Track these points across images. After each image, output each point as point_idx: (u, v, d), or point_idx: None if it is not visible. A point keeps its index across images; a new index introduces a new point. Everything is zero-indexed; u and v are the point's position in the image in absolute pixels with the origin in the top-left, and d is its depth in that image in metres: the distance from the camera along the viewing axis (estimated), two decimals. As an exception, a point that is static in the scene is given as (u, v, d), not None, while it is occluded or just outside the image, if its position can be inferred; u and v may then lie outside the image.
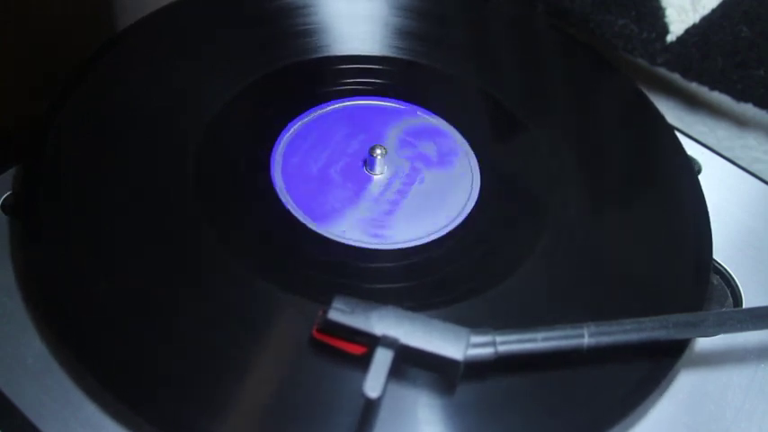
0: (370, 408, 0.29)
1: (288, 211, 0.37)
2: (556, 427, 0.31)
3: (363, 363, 0.29)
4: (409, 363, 0.30)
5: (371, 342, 0.29)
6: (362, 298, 0.31)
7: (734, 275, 0.39)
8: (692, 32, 0.49)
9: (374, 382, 0.28)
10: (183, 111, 0.40)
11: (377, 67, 0.44)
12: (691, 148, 0.43)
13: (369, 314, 0.30)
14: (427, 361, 0.30)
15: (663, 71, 0.51)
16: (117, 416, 0.31)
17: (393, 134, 0.42)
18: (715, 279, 0.39)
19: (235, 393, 0.30)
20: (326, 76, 0.43)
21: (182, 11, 0.45)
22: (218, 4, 0.46)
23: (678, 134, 0.44)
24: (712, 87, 0.50)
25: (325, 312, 0.30)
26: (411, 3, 0.47)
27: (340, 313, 0.30)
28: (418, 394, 0.31)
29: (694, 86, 0.51)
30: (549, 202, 0.39)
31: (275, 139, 0.40)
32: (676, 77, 0.51)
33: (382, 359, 0.28)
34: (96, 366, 0.31)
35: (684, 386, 0.35)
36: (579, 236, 0.38)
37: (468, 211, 0.39)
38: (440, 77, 0.44)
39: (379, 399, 0.28)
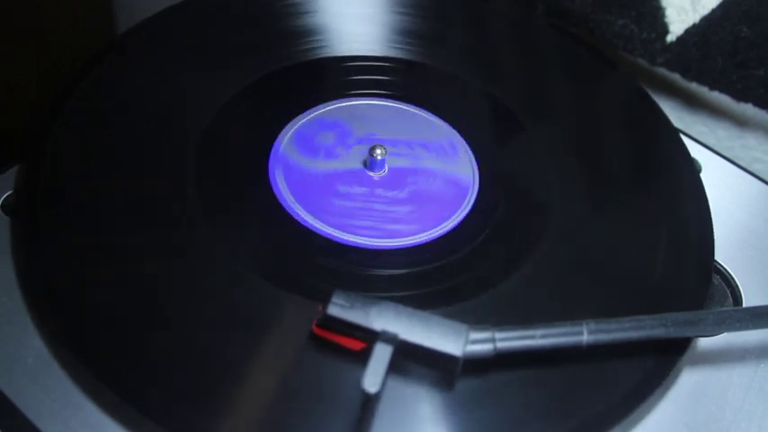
0: (369, 403, 0.29)
1: (287, 211, 0.37)
2: (555, 427, 0.31)
3: (363, 358, 0.29)
4: (408, 358, 0.30)
5: (371, 337, 0.29)
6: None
7: (734, 275, 0.39)
8: (692, 32, 0.49)
9: (373, 378, 0.28)
10: (183, 110, 0.40)
11: (377, 66, 0.44)
12: (691, 148, 0.43)
13: (368, 309, 0.30)
14: (426, 357, 0.30)
15: (663, 71, 0.52)
16: (117, 415, 0.31)
17: (404, 140, 0.42)
18: (715, 279, 0.39)
19: (234, 391, 0.30)
20: (326, 77, 0.44)
21: (182, 12, 0.45)
22: (219, 6, 0.46)
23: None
24: (712, 87, 0.50)
25: (325, 307, 0.30)
26: (411, 2, 0.47)
27: (339, 308, 0.30)
28: (417, 390, 0.31)
29: (694, 86, 0.51)
30: (549, 202, 0.39)
31: (275, 139, 0.40)
32: (676, 77, 0.51)
33: (381, 354, 0.28)
34: (96, 366, 0.31)
35: (685, 386, 0.35)
36: (580, 235, 0.38)
37: (468, 210, 0.39)
38: (440, 77, 0.44)
39: (378, 394, 0.28)
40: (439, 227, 0.38)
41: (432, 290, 0.35)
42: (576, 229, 0.38)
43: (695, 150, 0.44)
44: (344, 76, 0.44)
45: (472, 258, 0.37)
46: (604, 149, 0.43)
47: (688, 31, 0.49)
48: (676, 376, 0.35)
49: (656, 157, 0.42)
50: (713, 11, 0.48)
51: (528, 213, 0.39)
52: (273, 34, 0.45)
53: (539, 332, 0.30)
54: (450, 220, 0.38)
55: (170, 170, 0.38)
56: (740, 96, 0.49)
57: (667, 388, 0.35)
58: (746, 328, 0.33)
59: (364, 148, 0.40)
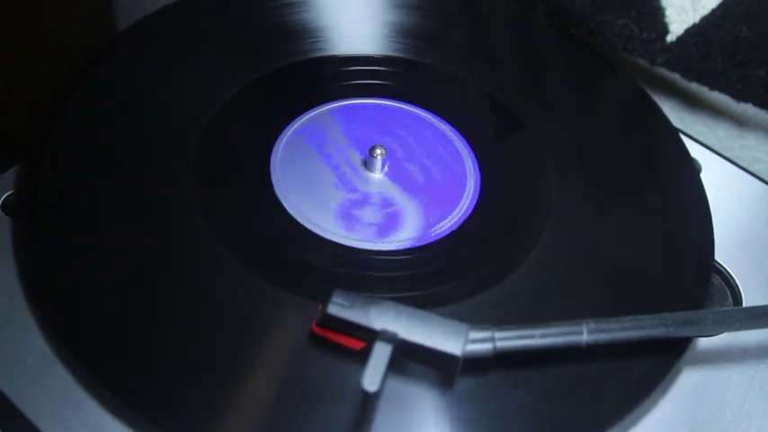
0: (368, 402, 0.29)
1: (287, 211, 0.37)
2: (555, 427, 0.31)
3: (363, 358, 0.29)
4: (408, 358, 0.30)
5: (370, 336, 0.29)
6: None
7: (734, 275, 0.39)
8: (692, 32, 0.49)
9: (373, 377, 0.28)
10: (183, 110, 0.40)
11: (377, 66, 0.44)
12: (691, 148, 0.43)
13: (368, 309, 0.30)
14: (426, 356, 0.30)
15: (663, 71, 0.52)
16: (117, 415, 0.31)
17: (404, 140, 0.42)
18: (715, 279, 0.39)
19: (234, 391, 0.30)
20: (326, 76, 0.44)
21: (181, 12, 0.45)
22: (218, 5, 0.46)
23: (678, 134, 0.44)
24: (712, 87, 0.50)
25: (325, 307, 0.30)
26: (411, 2, 0.47)
27: (339, 307, 0.30)
28: (417, 390, 0.31)
29: (694, 86, 0.51)
30: (548, 202, 0.39)
31: (275, 139, 0.40)
32: (676, 77, 0.51)
33: (381, 353, 0.28)
34: (96, 366, 0.31)
35: (685, 386, 0.35)
36: (580, 235, 0.38)
37: (469, 210, 0.39)
38: (440, 77, 0.44)
39: (378, 393, 0.28)
40: (434, 228, 0.38)
41: (432, 289, 0.35)
42: (576, 229, 0.38)
43: (695, 150, 0.44)
44: (344, 76, 0.44)
45: (472, 258, 0.37)
46: (604, 150, 0.43)
47: (688, 31, 0.49)
48: (676, 376, 0.35)
49: (655, 157, 0.42)
50: (713, 11, 0.48)
51: (528, 213, 0.39)
52: (273, 34, 0.45)
53: (538, 332, 0.30)
54: (445, 223, 0.38)
55: (170, 170, 0.38)
56: (740, 96, 0.49)
57: (667, 388, 0.35)
58: (746, 328, 0.33)
59: (364, 148, 0.40)
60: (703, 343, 0.37)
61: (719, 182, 0.43)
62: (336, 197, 0.38)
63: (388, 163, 0.40)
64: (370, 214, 0.38)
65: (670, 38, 0.49)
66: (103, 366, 0.31)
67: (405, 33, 0.46)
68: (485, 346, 0.30)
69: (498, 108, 0.43)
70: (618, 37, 0.50)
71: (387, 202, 0.39)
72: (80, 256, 0.34)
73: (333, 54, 0.44)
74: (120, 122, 0.39)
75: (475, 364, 0.30)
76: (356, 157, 0.40)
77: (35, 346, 0.33)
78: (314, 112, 0.42)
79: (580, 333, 0.30)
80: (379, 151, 0.39)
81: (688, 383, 0.35)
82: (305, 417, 0.30)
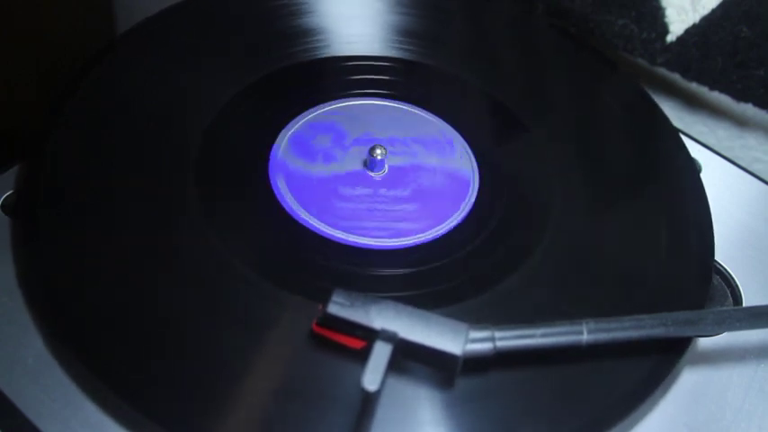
0: (368, 401, 0.29)
1: (287, 211, 0.37)
2: (555, 427, 0.31)
3: (363, 357, 0.29)
4: (408, 357, 0.30)
5: (370, 336, 0.29)
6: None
7: (734, 275, 0.39)
8: (692, 32, 0.49)
9: (372, 376, 0.28)
10: (183, 110, 0.40)
11: (377, 66, 0.44)
12: (691, 148, 0.43)
13: (368, 308, 0.30)
14: (426, 356, 0.30)
15: (663, 71, 0.51)
16: (117, 415, 0.31)
17: (394, 135, 0.42)
18: (715, 279, 0.39)
19: (234, 391, 0.30)
20: (326, 77, 0.44)
21: (182, 12, 0.45)
22: (219, 6, 0.46)
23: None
24: (712, 87, 0.50)
25: (325, 306, 0.30)
26: (411, 2, 0.47)
27: (339, 307, 0.30)
28: (417, 389, 0.31)
29: (694, 86, 0.51)
30: (549, 202, 0.39)
31: (275, 140, 0.40)
32: (676, 77, 0.51)
33: (381, 353, 0.28)
34: (96, 366, 0.31)
35: (685, 386, 0.35)
36: (580, 235, 0.38)
37: (468, 211, 0.39)
38: (440, 77, 0.44)
39: (378, 392, 0.28)
40: (445, 222, 0.38)
41: (432, 289, 0.35)
42: (576, 229, 0.38)
43: (695, 150, 0.44)
44: (345, 76, 0.44)
45: (472, 258, 0.37)
46: (605, 150, 0.43)
47: (688, 31, 0.49)
48: (676, 376, 0.35)
49: (656, 157, 0.42)
50: (713, 11, 0.48)
51: (528, 213, 0.39)
52: (273, 34, 0.45)
53: (538, 331, 0.30)
54: (455, 215, 0.38)
55: (170, 170, 0.38)
56: (740, 96, 0.49)
57: (667, 388, 0.35)
58: (746, 327, 0.33)
59: (363, 149, 0.40)
60: (703, 343, 0.36)
61: (719, 182, 0.43)
62: (339, 199, 0.38)
63: (387, 162, 0.40)
64: (374, 214, 0.38)
65: (670, 38, 0.49)
66: (103, 366, 0.31)
67: (405, 34, 0.46)
68: (485, 346, 0.30)
69: (499, 108, 0.43)
70: (618, 37, 0.50)
71: (390, 201, 0.39)
72: (80, 256, 0.34)
73: (333, 55, 0.44)
74: (121, 123, 0.39)
75: (475, 364, 0.30)
76: (355, 158, 0.40)
77: (35, 346, 0.33)
78: (314, 112, 0.42)
79: (580, 333, 0.30)
80: (379, 151, 0.39)
81: (688, 383, 0.35)
82: (305, 416, 0.30)
